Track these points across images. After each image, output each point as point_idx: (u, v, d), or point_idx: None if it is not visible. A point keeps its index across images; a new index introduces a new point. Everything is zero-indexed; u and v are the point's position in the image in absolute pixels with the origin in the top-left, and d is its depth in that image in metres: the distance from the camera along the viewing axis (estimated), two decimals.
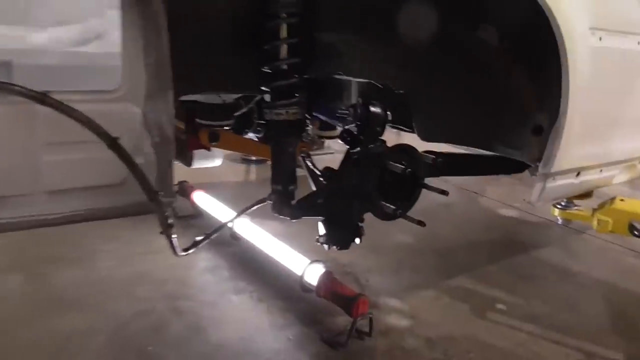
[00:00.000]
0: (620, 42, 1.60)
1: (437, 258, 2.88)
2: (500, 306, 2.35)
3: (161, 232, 1.16)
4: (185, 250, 1.34)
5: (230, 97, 1.64)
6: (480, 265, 2.81)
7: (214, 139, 1.70)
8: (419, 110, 1.60)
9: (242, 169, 4.45)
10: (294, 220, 1.45)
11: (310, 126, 1.81)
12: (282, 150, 1.41)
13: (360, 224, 1.44)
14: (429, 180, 1.52)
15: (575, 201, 2.58)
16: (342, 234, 1.43)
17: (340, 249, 1.44)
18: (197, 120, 1.66)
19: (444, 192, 1.30)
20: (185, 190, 3.13)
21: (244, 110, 1.72)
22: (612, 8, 1.54)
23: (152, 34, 0.95)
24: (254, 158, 4.63)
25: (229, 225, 2.73)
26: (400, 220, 1.41)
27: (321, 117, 1.74)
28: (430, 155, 1.32)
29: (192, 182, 3.27)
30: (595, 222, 2.22)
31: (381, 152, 1.33)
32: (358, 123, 1.38)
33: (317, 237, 1.43)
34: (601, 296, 2.54)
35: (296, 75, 1.39)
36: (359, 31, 1.47)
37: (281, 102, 1.36)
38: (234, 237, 2.65)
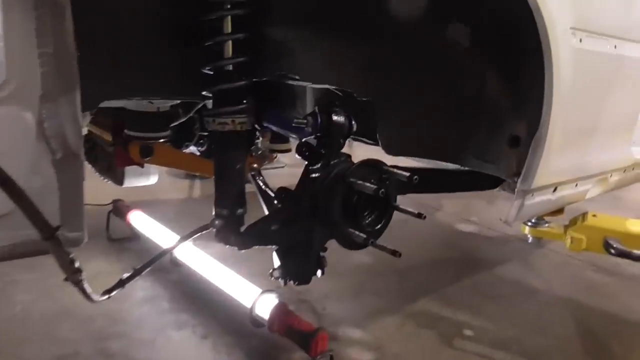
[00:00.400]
0: (599, 45, 1.47)
1: (399, 279, 2.70)
2: (467, 332, 2.18)
3: (65, 279, 0.89)
4: (107, 292, 1.08)
5: (165, 104, 1.39)
6: (443, 286, 2.66)
7: (147, 154, 1.44)
8: (385, 121, 1.41)
9: (185, 184, 4.16)
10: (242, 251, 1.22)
11: (261, 138, 1.58)
12: (227, 167, 1.18)
13: (321, 254, 1.23)
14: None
15: (546, 217, 2.46)
16: (301, 265, 1.21)
17: (299, 283, 1.21)
18: (127, 131, 1.40)
19: (420, 216, 1.10)
20: (120, 210, 2.82)
21: (182, 120, 1.48)
22: (593, 7, 1.41)
23: (47, 12, 0.70)
24: (198, 173, 4.35)
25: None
26: None
27: (273, 128, 1.52)
28: (403, 172, 1.12)
29: (128, 200, 2.97)
30: (568, 240, 2.09)
31: (347, 168, 1.12)
32: (318, 135, 1.17)
33: (271, 270, 1.20)
34: (568, 315, 2.43)
35: (243, 78, 1.16)
36: (316, 27, 1.26)
37: (226, 109, 1.13)
38: (175, 263, 2.38)
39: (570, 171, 1.60)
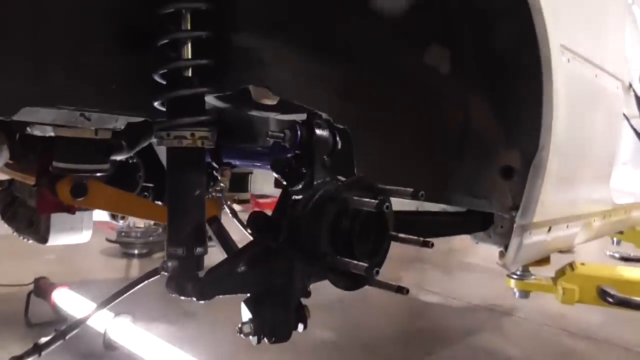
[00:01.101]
0: (584, 70, 1.39)
1: (368, 356, 2.42)
2: None
3: None
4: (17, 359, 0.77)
5: (106, 130, 1.13)
6: (417, 359, 2.40)
7: (79, 193, 1.15)
8: (361, 153, 1.23)
9: (121, 264, 3.76)
10: (202, 302, 0.95)
11: (222, 177, 1.35)
12: (184, 193, 0.94)
13: (302, 302, 0.98)
14: None
15: (532, 269, 2.31)
16: (277, 317, 0.95)
17: (277, 341, 0.94)
18: (55, 163, 1.12)
19: (426, 244, 0.89)
20: (42, 289, 2.43)
21: (124, 155, 1.22)
22: (577, 26, 1.34)
23: None
24: (136, 252, 3.97)
25: (102, 330, 2.10)
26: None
27: (234, 162, 1.31)
28: (405, 189, 0.92)
29: (53, 279, 2.59)
30: (560, 292, 1.92)
31: (335, 188, 0.90)
32: (297, 152, 0.96)
33: (240, 325, 0.93)
34: None
35: (205, 86, 0.96)
36: (287, 39, 1.10)
37: (184, 120, 0.91)
38: (109, 347, 2.01)
39: (564, 208, 1.46)
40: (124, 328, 2.01)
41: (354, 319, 2.92)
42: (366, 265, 0.82)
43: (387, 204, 0.83)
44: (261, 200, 3.23)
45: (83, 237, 1.56)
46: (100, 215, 1.62)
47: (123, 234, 3.97)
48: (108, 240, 3.95)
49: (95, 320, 2.04)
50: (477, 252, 4.91)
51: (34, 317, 2.46)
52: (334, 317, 2.87)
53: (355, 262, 0.84)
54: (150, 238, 4.02)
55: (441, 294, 3.53)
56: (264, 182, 2.21)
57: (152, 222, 4.25)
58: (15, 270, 3.15)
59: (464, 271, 4.26)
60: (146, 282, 1.01)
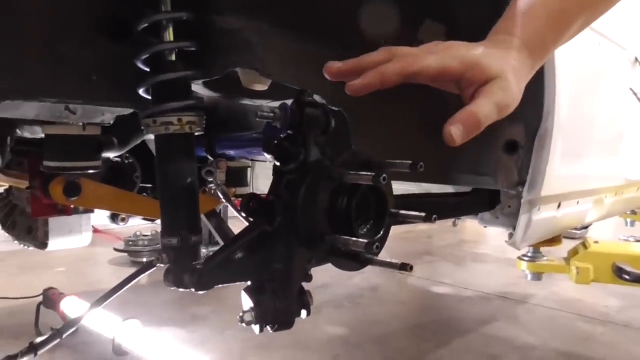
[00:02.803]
0: (586, 37, 1.34)
1: (380, 349, 2.37)
2: None
3: None
4: (11, 358, 0.74)
5: (95, 125, 1.10)
6: (432, 350, 2.35)
7: (73, 192, 1.12)
8: (361, 135, 1.19)
9: (130, 272, 3.73)
10: (201, 293, 0.91)
11: (218, 169, 1.32)
12: (175, 181, 0.91)
13: (304, 287, 0.94)
14: None
15: (543, 250, 2.25)
16: (279, 304, 0.91)
17: (279, 328, 0.91)
18: (45, 162, 1.09)
19: (429, 219, 0.85)
20: (51, 299, 2.41)
21: (116, 153, 1.19)
22: None
23: None
24: (144, 260, 3.95)
25: (111, 336, 2.07)
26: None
27: (229, 152, 1.28)
28: (403, 161, 0.89)
29: (63, 290, 2.57)
30: (573, 272, 1.87)
31: (331, 165, 0.87)
32: (288, 132, 0.92)
33: (241, 313, 0.89)
34: None
35: (189, 69, 0.93)
36: (274, 20, 1.07)
37: (169, 105, 0.88)
38: (119, 352, 1.98)
39: (573, 182, 1.41)
40: (133, 333, 1.98)
41: (364, 313, 2.88)
42: (365, 241, 0.78)
43: (384, 175, 0.80)
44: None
45: (83, 239, 1.53)
46: (101, 218, 1.59)
47: (130, 242, 3.95)
48: (116, 249, 3.93)
49: (104, 326, 2.02)
50: (487, 242, 4.87)
51: (44, 328, 2.43)
52: (344, 313, 2.83)
53: (355, 239, 0.80)
54: (158, 245, 4.00)
55: (453, 284, 3.47)
56: (267, 179, 2.18)
57: (158, 230, 4.24)
58: (26, 284, 3.15)
59: (475, 262, 4.21)
60: (143, 275, 0.97)
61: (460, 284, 3.48)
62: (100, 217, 1.59)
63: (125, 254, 3.95)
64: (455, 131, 0.63)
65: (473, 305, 3.09)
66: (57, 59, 0.88)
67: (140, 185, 1.57)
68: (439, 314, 2.96)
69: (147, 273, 0.99)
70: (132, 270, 3.88)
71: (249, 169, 1.71)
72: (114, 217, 1.58)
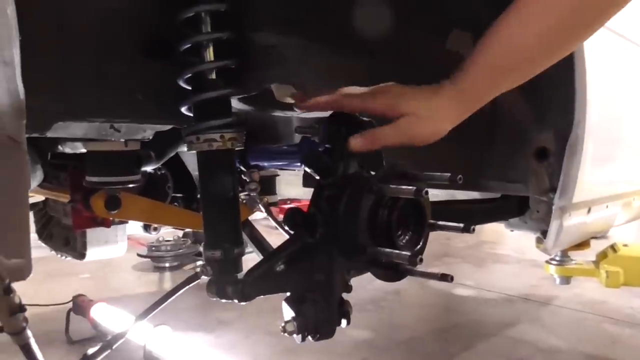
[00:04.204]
0: (616, 43, 1.35)
1: (406, 353, 2.38)
2: None
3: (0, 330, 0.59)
4: None
5: (135, 141, 1.14)
6: (457, 353, 2.36)
7: (114, 205, 1.16)
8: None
9: (154, 278, 3.80)
10: (243, 303, 0.94)
11: (253, 181, 1.35)
12: (218, 195, 0.93)
13: (343, 298, 0.96)
14: None
15: (571, 254, 2.24)
16: (320, 314, 0.93)
17: (321, 337, 0.93)
18: (88, 177, 1.13)
19: (467, 229, 0.87)
20: (80, 306, 2.46)
21: (153, 165, 1.23)
22: None
23: None
24: (167, 265, 4.01)
25: (142, 343, 2.11)
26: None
27: (261, 164, 1.30)
28: (441, 174, 0.90)
29: (90, 296, 2.62)
30: (603, 276, 1.87)
31: (371, 178, 0.89)
32: (327, 146, 0.95)
33: (283, 324, 0.92)
34: None
35: (229, 87, 0.95)
36: (307, 35, 1.09)
37: (212, 122, 0.91)
38: (150, 358, 2.02)
39: (603, 187, 1.42)
40: (164, 339, 2.02)
41: (388, 317, 2.89)
42: (409, 254, 0.80)
43: (425, 189, 0.82)
44: (286, 206, 3.23)
45: (119, 249, 1.58)
46: (132, 228, 1.63)
47: (154, 248, 4.00)
48: (139, 255, 3.99)
49: (135, 332, 2.05)
50: (508, 243, 4.83)
51: (74, 335, 2.49)
52: (369, 317, 2.84)
53: (397, 251, 0.82)
54: (180, 250, 4.05)
55: (475, 286, 3.47)
56: (289, 186, 2.21)
57: (180, 235, 4.29)
58: (54, 290, 3.21)
59: (496, 263, 4.19)
60: (186, 288, 1.00)
61: (483, 285, 3.48)
62: (131, 226, 1.62)
63: (149, 259, 4.00)
64: (356, 141, 0.88)
65: (496, 308, 3.09)
66: (105, 80, 0.91)
67: (172, 195, 1.61)
68: (463, 316, 2.96)
69: (191, 285, 1.01)
70: (156, 275, 3.94)
71: (277, 178, 1.74)
72: (146, 227, 1.61)
